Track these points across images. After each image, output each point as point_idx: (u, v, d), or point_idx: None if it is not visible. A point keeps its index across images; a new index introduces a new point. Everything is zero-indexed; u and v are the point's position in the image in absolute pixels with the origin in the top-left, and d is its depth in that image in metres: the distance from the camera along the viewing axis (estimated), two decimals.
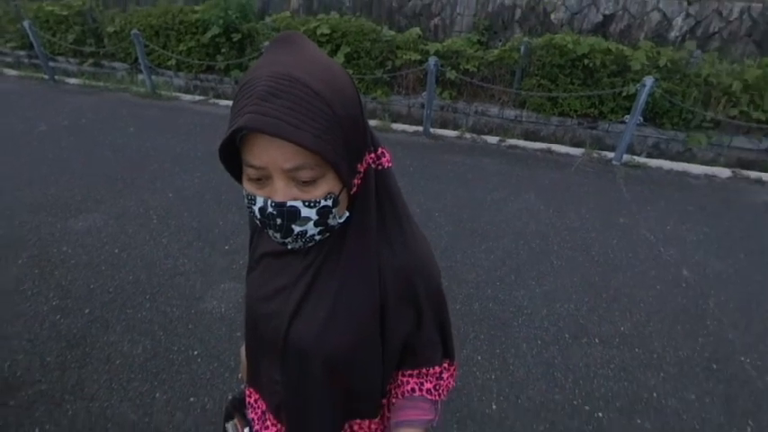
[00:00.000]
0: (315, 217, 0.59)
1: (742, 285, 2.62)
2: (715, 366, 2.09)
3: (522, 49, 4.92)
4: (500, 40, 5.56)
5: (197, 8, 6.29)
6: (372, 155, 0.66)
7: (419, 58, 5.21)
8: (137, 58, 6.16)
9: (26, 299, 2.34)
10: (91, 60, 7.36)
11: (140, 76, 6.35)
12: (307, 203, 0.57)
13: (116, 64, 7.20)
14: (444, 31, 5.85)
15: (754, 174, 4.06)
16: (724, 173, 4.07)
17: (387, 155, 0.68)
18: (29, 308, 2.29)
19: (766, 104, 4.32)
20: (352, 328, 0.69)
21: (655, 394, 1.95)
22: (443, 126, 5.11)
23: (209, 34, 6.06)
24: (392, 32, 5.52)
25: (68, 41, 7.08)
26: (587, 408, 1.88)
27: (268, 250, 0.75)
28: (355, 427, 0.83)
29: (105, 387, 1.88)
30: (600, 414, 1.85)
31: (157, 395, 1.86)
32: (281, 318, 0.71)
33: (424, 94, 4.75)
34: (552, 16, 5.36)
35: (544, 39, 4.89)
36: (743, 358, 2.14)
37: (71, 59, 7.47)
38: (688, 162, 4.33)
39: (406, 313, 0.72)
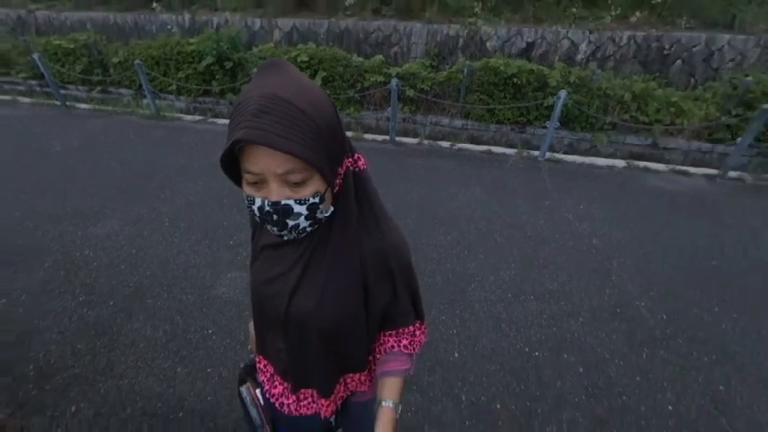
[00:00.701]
0: (305, 212, 0.59)
1: (636, 249, 2.78)
2: (618, 311, 2.22)
3: (465, 70, 4.98)
4: (447, 64, 5.60)
5: (192, 41, 5.97)
6: (350, 159, 0.66)
7: (383, 79, 5.18)
8: (141, 85, 5.80)
9: (54, 298, 2.20)
10: (99, 88, 6.87)
11: (145, 101, 5.98)
12: (298, 201, 0.57)
13: (122, 90, 6.75)
14: (402, 57, 5.83)
15: (642, 164, 4.28)
16: (621, 164, 4.26)
17: (362, 159, 0.69)
18: (57, 305, 2.14)
19: (649, 110, 4.58)
20: (340, 302, 0.70)
21: (576, 335, 2.05)
22: (405, 135, 5.12)
23: (204, 63, 5.78)
24: (360, 59, 5.45)
25: (77, 71, 6.57)
26: (527, 350, 1.96)
27: (268, 243, 0.74)
28: (348, 380, 0.84)
29: (132, 366, 1.81)
30: (536, 354, 1.94)
31: (179, 369, 1.80)
32: (282, 297, 0.71)
33: (389, 109, 4.74)
34: (487, 44, 5.45)
35: (482, 62, 4.96)
36: (638, 303, 2.28)
37: (80, 87, 6.93)
38: (594, 156, 4.51)
39: (384, 287, 0.73)
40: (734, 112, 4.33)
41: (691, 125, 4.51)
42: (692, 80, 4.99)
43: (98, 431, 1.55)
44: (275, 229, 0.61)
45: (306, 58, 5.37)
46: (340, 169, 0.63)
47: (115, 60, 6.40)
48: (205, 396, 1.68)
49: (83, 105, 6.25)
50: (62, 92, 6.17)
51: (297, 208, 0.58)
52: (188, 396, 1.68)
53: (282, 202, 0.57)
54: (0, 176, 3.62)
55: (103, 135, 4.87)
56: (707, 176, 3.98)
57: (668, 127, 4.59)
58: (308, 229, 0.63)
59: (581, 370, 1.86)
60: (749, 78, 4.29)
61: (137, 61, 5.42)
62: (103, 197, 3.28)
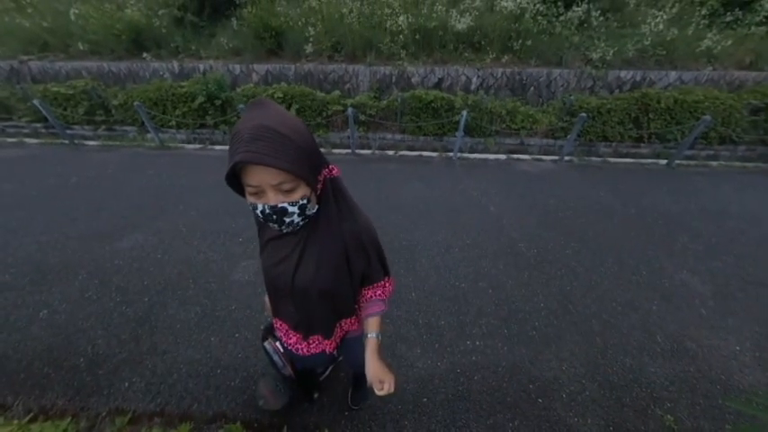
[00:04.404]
0: (297, 211, 0.57)
1: (516, 210, 2.97)
2: (509, 250, 2.39)
3: (399, 99, 4.94)
4: (386, 95, 5.52)
5: (183, 84, 5.19)
6: (326, 169, 0.64)
7: (342, 108, 4.97)
8: (143, 122, 4.96)
9: (93, 302, 1.88)
10: (103, 127, 5.71)
11: (149, 135, 5.14)
12: (290, 204, 0.55)
13: (126, 127, 5.68)
14: (354, 91, 5.62)
15: (515, 156, 4.57)
16: (503, 157, 4.51)
17: (335, 168, 0.67)
18: (97, 307, 1.84)
19: (517, 120, 4.92)
20: (331, 272, 0.69)
21: (485, 269, 2.19)
22: (362, 148, 5.01)
23: (197, 102, 5.06)
24: (323, 94, 5.15)
25: (80, 114, 5.40)
26: (457, 283, 2.06)
27: (271, 236, 0.70)
28: (343, 323, 0.83)
29: (173, 343, 1.63)
30: (463, 285, 2.05)
31: (212, 339, 1.66)
32: (287, 273, 0.68)
33: (348, 129, 4.59)
34: (412, 80, 5.44)
35: (410, 93, 4.94)
36: (520, 244, 2.47)
37: (85, 127, 5.70)
38: (487, 153, 4.72)
39: (360, 256, 0.73)
40: (564, 119, 4.84)
41: (541, 129, 4.94)
42: (541, 100, 5.45)
43: (151, 396, 1.40)
44: (275, 225, 0.58)
45: (281, 95, 4.96)
46: (319, 177, 0.61)
47: (116, 102, 5.36)
48: (236, 354, 1.58)
49: (91, 142, 5.21)
50: (68, 132, 5.08)
51: (290, 209, 0.55)
52: (222, 357, 1.57)
53: (279, 206, 0.54)
54: (23, 207, 2.94)
55: (115, 165, 4.13)
56: (553, 161, 4.39)
57: (529, 131, 4.96)
58: (301, 223, 0.61)
59: (490, 291, 2.01)
60: (572, 97, 4.81)
61: (136, 102, 4.62)
62: (124, 216, 2.81)
